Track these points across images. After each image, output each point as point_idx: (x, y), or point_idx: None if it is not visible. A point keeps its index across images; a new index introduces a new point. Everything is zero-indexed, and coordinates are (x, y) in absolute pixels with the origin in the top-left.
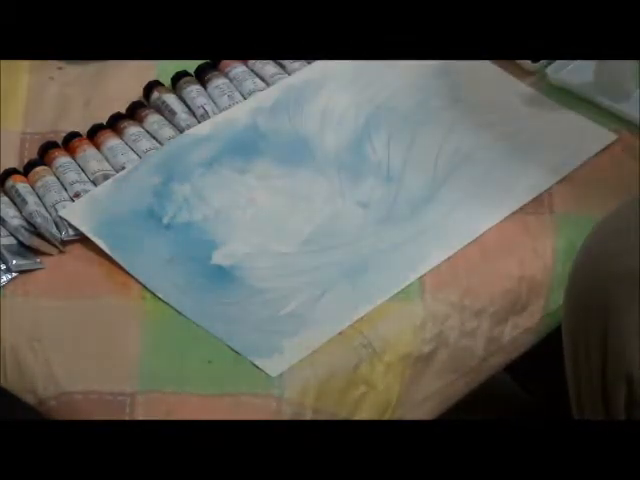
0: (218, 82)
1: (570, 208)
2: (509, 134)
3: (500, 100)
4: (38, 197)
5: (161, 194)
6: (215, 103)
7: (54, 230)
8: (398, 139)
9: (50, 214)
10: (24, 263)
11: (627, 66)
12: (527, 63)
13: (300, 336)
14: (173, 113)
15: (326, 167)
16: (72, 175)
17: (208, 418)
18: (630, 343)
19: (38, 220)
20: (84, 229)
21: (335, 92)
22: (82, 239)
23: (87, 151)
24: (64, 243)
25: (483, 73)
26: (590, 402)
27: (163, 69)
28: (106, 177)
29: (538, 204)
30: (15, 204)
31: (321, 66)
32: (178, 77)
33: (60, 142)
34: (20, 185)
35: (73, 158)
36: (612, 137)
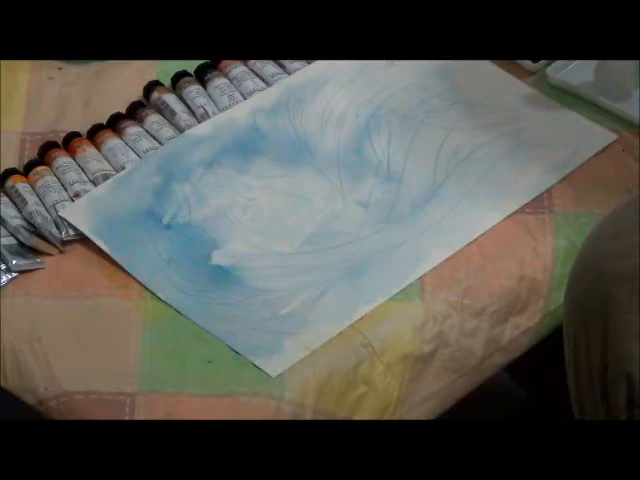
0: (218, 82)
1: (570, 208)
2: (509, 134)
3: (500, 100)
4: (38, 197)
5: (161, 194)
6: (215, 103)
7: (54, 230)
8: (398, 139)
9: (50, 214)
10: (24, 263)
11: (627, 66)
12: (527, 63)
13: (300, 336)
14: (173, 113)
15: (326, 167)
16: (72, 175)
17: (208, 418)
18: (630, 343)
19: (38, 220)
20: (84, 229)
21: (335, 92)
22: (82, 239)
23: (87, 151)
24: (64, 243)
25: (483, 73)
26: (590, 402)
27: (163, 69)
28: (106, 177)
29: (538, 204)
30: (15, 204)
31: (321, 66)
32: (178, 77)
33: (60, 142)
34: (20, 185)
35: (73, 158)
36: (612, 137)
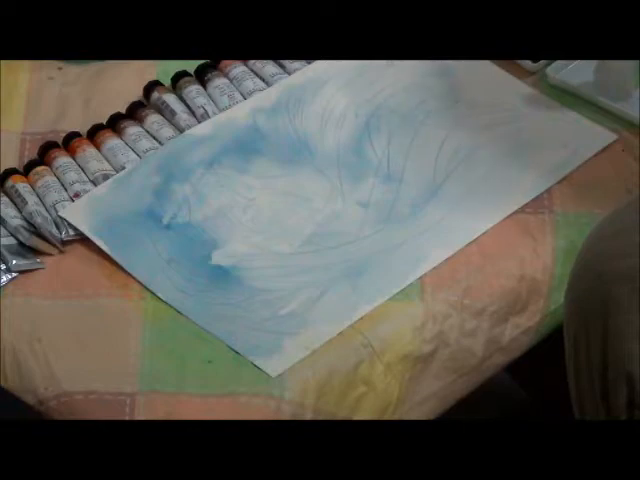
0: (218, 82)
1: (570, 208)
2: (509, 134)
3: (500, 100)
4: (38, 197)
5: (161, 194)
6: (215, 103)
7: (54, 230)
8: (398, 139)
9: (50, 214)
10: (24, 263)
11: (627, 66)
12: (527, 63)
13: (300, 336)
14: (173, 113)
15: (326, 167)
16: (72, 175)
17: (208, 418)
18: (630, 343)
19: (38, 220)
20: (84, 229)
21: (335, 92)
22: (82, 239)
23: (87, 151)
24: (64, 243)
25: (483, 73)
26: (591, 402)
27: (163, 69)
28: (106, 177)
29: (538, 204)
30: (15, 204)
31: (321, 66)
32: (178, 77)
33: (60, 142)
34: (20, 185)
35: (73, 158)
36: (612, 137)
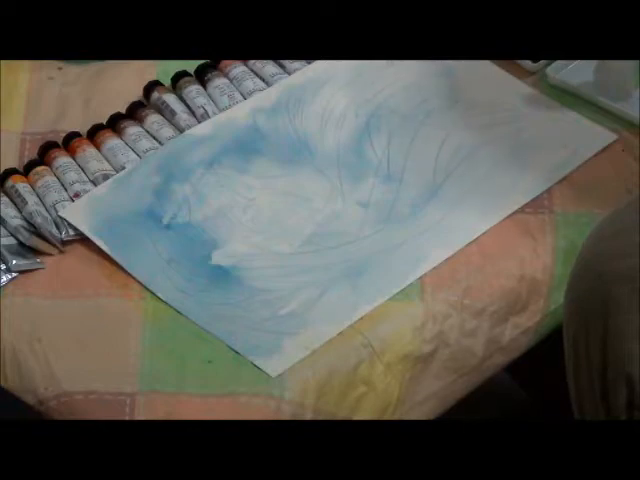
0: (218, 82)
1: (570, 208)
2: (509, 134)
3: (500, 100)
4: (38, 197)
5: (161, 194)
6: (215, 103)
7: (54, 230)
8: (398, 139)
9: (50, 214)
10: (24, 263)
11: (627, 66)
12: (527, 63)
13: (300, 336)
14: (173, 113)
15: (326, 167)
16: (72, 175)
17: (208, 418)
18: (630, 343)
19: (38, 220)
20: (84, 229)
21: (335, 92)
22: (82, 239)
23: (87, 151)
24: (64, 243)
25: (483, 73)
26: (590, 402)
27: (163, 69)
28: (106, 177)
29: (538, 204)
30: (15, 204)
31: (321, 66)
32: (178, 77)
33: (60, 142)
34: (20, 185)
35: (73, 158)
36: (612, 137)
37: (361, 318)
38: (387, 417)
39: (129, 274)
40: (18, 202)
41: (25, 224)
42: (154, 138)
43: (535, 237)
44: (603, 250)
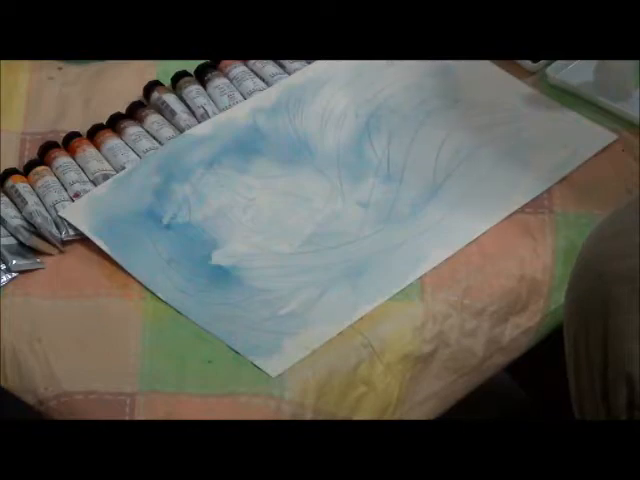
0: (218, 82)
1: (570, 208)
2: (509, 134)
3: (500, 100)
4: (38, 197)
5: (161, 194)
6: (215, 103)
7: (54, 230)
8: (398, 139)
9: (50, 214)
10: (24, 263)
11: (627, 66)
12: (527, 63)
13: (300, 336)
14: (173, 113)
15: (326, 167)
16: (72, 175)
17: (208, 418)
18: (630, 343)
19: (38, 220)
20: (84, 229)
21: (335, 92)
22: (82, 239)
23: (87, 151)
24: (64, 243)
25: (483, 73)
26: (591, 402)
27: (163, 69)
28: (106, 177)
29: (538, 204)
30: (15, 204)
31: (321, 66)
32: (178, 77)
33: (60, 142)
34: (20, 185)
35: (73, 158)
36: (612, 137)
37: (361, 318)
38: (387, 417)
39: (129, 274)
40: (18, 202)
41: (25, 224)
42: (154, 138)
43: (535, 237)
44: (603, 250)
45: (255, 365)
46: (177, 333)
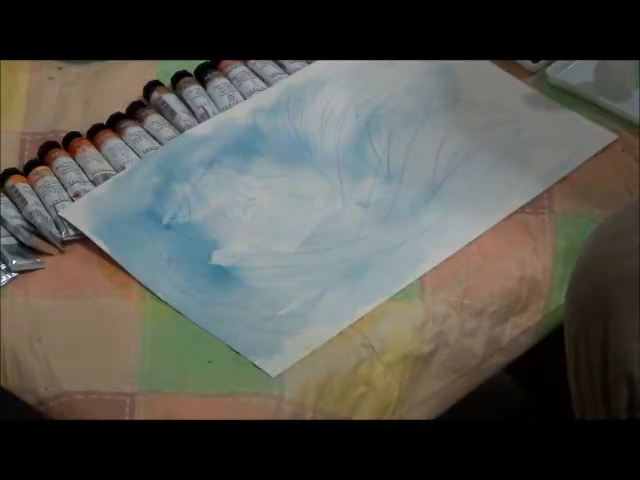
0: (218, 82)
1: (570, 208)
2: (509, 134)
3: (500, 100)
4: (38, 197)
5: (161, 194)
6: (215, 103)
7: (54, 230)
8: (398, 139)
9: (50, 214)
10: (24, 263)
11: (627, 66)
12: (527, 63)
13: (300, 336)
14: (173, 113)
15: (326, 167)
16: (72, 175)
17: (208, 418)
18: (631, 344)
19: (38, 220)
20: (84, 229)
21: (335, 92)
22: (82, 239)
23: (87, 151)
24: (64, 243)
25: (483, 73)
26: (591, 404)
27: (163, 69)
28: (106, 177)
29: (538, 204)
30: (15, 204)
31: (321, 66)
32: (178, 77)
33: (60, 142)
34: (20, 185)
35: (73, 158)
36: (612, 137)
37: (361, 318)
38: (387, 417)
39: (129, 274)
40: (18, 202)
41: (25, 224)
42: (154, 138)
43: (535, 237)
44: (603, 251)
45: (255, 365)
46: (177, 333)
